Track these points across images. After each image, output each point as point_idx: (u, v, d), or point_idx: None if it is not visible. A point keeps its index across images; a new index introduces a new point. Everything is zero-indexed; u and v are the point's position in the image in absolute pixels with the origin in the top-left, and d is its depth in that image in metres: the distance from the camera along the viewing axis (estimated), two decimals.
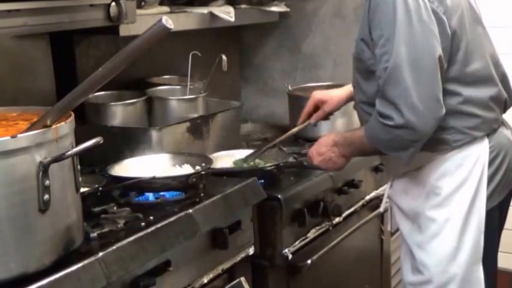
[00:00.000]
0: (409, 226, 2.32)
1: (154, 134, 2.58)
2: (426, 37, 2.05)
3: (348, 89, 2.63)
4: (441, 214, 2.22)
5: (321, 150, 2.39)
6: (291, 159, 2.92)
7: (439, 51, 2.06)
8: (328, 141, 2.38)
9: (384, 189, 3.12)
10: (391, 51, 2.04)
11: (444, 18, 2.09)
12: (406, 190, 2.32)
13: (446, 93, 2.11)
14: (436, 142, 2.17)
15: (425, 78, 2.04)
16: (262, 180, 2.57)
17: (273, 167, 2.60)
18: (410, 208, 2.31)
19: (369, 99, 2.20)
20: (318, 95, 2.71)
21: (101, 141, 1.69)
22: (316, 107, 2.70)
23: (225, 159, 2.75)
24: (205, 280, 2.20)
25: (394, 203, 2.40)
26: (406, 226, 2.34)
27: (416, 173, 2.27)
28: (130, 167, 2.41)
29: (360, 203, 3.08)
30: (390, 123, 2.07)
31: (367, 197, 3.15)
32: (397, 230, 3.57)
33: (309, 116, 2.72)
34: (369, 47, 2.15)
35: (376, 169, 3.19)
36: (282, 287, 2.60)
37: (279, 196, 2.50)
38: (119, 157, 2.48)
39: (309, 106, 2.71)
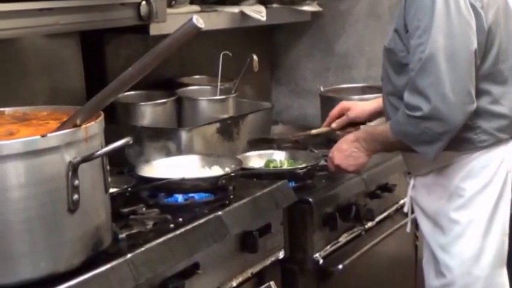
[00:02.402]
0: (431, 227, 2.34)
1: (183, 134, 2.61)
2: (464, 30, 2.07)
3: (377, 102, 2.62)
4: (464, 216, 2.24)
5: (342, 147, 2.41)
6: (322, 162, 2.93)
7: (475, 45, 2.08)
8: (349, 137, 2.41)
9: None
10: (427, 41, 2.05)
11: (482, 12, 2.12)
12: (429, 191, 2.33)
13: (477, 91, 2.12)
14: (461, 141, 2.19)
15: (459, 70, 2.05)
16: (293, 183, 2.59)
17: (304, 170, 2.61)
18: (432, 209, 2.32)
19: (398, 92, 2.23)
20: (344, 103, 2.73)
21: (131, 142, 1.71)
22: (341, 114, 2.70)
23: (256, 160, 2.77)
24: (234, 283, 2.22)
25: (416, 203, 2.41)
26: (427, 227, 2.36)
27: (439, 173, 2.28)
28: (159, 168, 2.43)
29: (394, 208, 3.08)
30: (418, 114, 2.08)
31: (401, 201, 3.12)
32: None
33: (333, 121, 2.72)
34: (401, 39, 2.18)
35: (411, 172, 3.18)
36: None
37: (310, 199, 2.51)
38: (148, 158, 2.51)
39: (333, 111, 2.71)
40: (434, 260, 2.33)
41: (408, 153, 2.29)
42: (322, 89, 3.39)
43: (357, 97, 3.26)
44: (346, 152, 2.39)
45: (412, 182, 2.43)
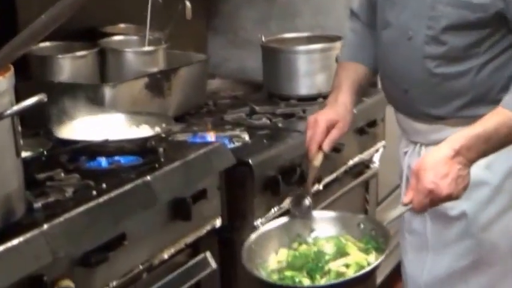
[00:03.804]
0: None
1: (107, 91, 2.58)
2: None
3: (348, 91, 2.34)
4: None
5: (442, 171, 1.94)
6: (264, 120, 2.94)
7: None
8: (443, 154, 1.96)
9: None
10: None
11: None
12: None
13: None
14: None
15: None
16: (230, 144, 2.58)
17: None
18: None
19: (449, 54, 2.12)
20: (322, 116, 2.27)
21: (45, 99, 1.68)
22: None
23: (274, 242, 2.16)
24: (165, 255, 2.22)
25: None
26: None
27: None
28: (80, 129, 2.40)
29: (342, 169, 3.10)
30: None
31: (350, 162, 3.17)
32: (384, 199, 3.64)
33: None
34: None
35: (361, 131, 3.20)
36: None
37: (250, 161, 2.51)
38: (67, 117, 2.48)
39: (319, 134, 2.24)
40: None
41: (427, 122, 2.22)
42: (263, 39, 3.38)
43: (303, 48, 3.27)
44: (452, 174, 1.94)
45: (423, 150, 2.28)
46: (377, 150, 3.39)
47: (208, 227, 2.40)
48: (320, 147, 2.25)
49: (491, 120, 2.01)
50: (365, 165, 3.33)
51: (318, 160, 2.24)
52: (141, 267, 2.13)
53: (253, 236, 2.12)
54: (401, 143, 2.42)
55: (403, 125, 2.36)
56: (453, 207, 2.21)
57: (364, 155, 3.30)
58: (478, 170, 2.06)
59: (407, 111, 2.29)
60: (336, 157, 3.00)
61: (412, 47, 2.19)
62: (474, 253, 2.25)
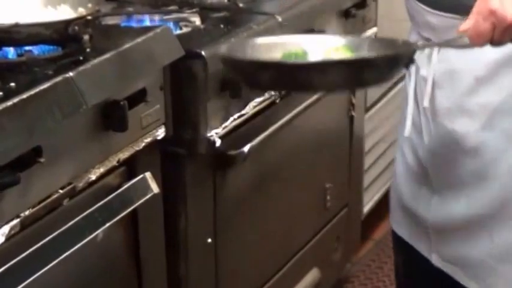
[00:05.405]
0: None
1: None
2: None
3: None
4: None
5: None
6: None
7: None
8: None
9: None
10: None
11: None
12: None
13: None
14: None
15: None
16: None
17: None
18: None
19: None
20: None
21: None
22: None
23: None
24: (92, 176, 2.21)
25: None
26: None
27: None
28: None
29: None
30: None
31: None
32: (374, 104, 3.67)
33: None
34: None
35: (347, 14, 3.20)
36: (205, 184, 2.64)
37: (203, 53, 2.50)
38: None
39: None
40: None
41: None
42: None
43: None
44: None
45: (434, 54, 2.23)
46: None
47: (148, 139, 2.39)
48: None
49: None
50: None
51: None
52: (61, 191, 2.12)
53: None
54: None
55: (426, 18, 2.28)
56: (470, 136, 2.19)
57: None
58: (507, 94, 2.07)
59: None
60: None
61: None
62: (498, 199, 2.23)
